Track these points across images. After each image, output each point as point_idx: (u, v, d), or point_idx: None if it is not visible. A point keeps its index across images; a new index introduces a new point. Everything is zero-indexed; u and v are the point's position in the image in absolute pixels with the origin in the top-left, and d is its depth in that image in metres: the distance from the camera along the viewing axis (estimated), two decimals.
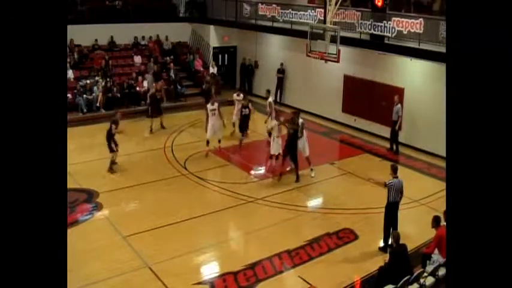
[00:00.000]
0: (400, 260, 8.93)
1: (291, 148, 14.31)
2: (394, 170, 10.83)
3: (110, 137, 14.97)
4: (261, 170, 15.70)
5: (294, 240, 11.07)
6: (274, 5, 21.84)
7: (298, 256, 10.56)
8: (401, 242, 9.15)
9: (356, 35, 17.90)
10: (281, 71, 23.60)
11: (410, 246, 9.65)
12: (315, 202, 13.87)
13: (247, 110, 17.18)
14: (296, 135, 14.23)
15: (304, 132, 14.76)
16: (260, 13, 22.66)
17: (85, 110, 20.92)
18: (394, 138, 17.24)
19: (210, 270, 10.25)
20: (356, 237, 11.44)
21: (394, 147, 17.27)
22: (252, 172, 15.54)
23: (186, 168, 15.33)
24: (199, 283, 9.67)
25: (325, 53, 16.87)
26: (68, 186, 13.39)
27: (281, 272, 10.13)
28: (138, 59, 24.49)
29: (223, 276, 9.84)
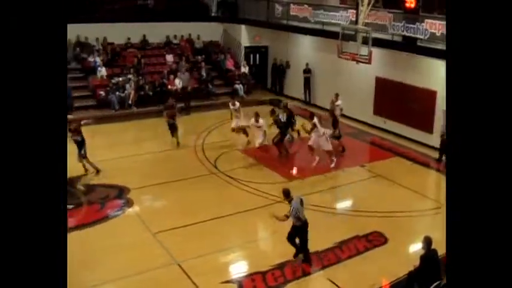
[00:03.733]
0: (431, 265, 8.83)
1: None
2: (286, 194, 9.99)
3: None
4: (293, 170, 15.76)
5: (323, 242, 10.99)
6: (306, 6, 21.79)
7: (327, 258, 10.52)
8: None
9: (388, 37, 17.76)
10: (307, 71, 23.58)
11: (440, 252, 9.52)
12: (344, 204, 13.81)
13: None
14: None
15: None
16: (292, 13, 22.65)
17: (117, 107, 21.23)
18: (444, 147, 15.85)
19: (239, 269, 10.28)
20: (385, 240, 11.33)
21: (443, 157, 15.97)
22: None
23: (216, 167, 15.42)
24: (228, 282, 9.71)
25: (356, 54, 16.80)
26: (99, 182, 13.79)
27: (309, 273, 10.10)
28: (170, 58, 24.71)
29: (251, 275, 9.86)
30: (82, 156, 14.40)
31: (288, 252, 10.33)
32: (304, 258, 10.30)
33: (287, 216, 9.85)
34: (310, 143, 15.41)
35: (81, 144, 14.33)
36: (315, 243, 10.84)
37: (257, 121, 16.11)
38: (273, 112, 16.71)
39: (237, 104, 17.63)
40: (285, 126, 16.59)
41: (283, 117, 16.70)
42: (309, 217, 12.20)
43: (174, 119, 17.05)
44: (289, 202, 9.91)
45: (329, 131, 15.83)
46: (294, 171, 15.63)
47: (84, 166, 14.59)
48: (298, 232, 10.12)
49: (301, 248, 10.27)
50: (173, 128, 17.14)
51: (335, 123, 16.73)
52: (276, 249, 11.25)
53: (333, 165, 15.52)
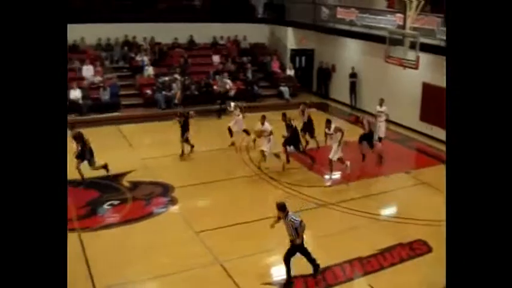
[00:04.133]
0: None
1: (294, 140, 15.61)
2: (282, 208, 9.47)
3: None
4: (336, 175, 15.61)
5: (365, 248, 10.92)
6: (352, 9, 21.67)
7: (369, 264, 10.42)
8: None
9: (436, 42, 17.48)
10: (353, 75, 23.44)
11: None
12: (387, 210, 13.63)
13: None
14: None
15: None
16: (338, 16, 22.55)
17: (163, 106, 21.56)
18: None
19: (280, 271, 10.26)
20: (429, 249, 11.15)
21: None
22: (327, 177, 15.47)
23: (260, 168, 15.47)
24: (269, 284, 9.77)
25: (403, 59, 16.59)
26: (144, 179, 13.98)
27: (351, 279, 10.05)
28: (216, 58, 24.94)
29: (292, 278, 9.86)
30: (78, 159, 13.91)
31: (330, 256, 10.32)
32: (314, 270, 9.94)
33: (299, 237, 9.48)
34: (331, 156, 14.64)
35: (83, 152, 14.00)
36: (358, 249, 10.82)
37: (263, 124, 15.42)
38: (284, 115, 15.84)
39: (232, 104, 17.98)
40: (293, 137, 15.68)
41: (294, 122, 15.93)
42: (352, 222, 12.24)
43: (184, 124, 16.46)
44: (286, 216, 9.48)
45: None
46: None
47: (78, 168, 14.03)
48: (298, 250, 9.70)
49: (310, 261, 9.87)
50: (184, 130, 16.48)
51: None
52: (319, 253, 11.21)
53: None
